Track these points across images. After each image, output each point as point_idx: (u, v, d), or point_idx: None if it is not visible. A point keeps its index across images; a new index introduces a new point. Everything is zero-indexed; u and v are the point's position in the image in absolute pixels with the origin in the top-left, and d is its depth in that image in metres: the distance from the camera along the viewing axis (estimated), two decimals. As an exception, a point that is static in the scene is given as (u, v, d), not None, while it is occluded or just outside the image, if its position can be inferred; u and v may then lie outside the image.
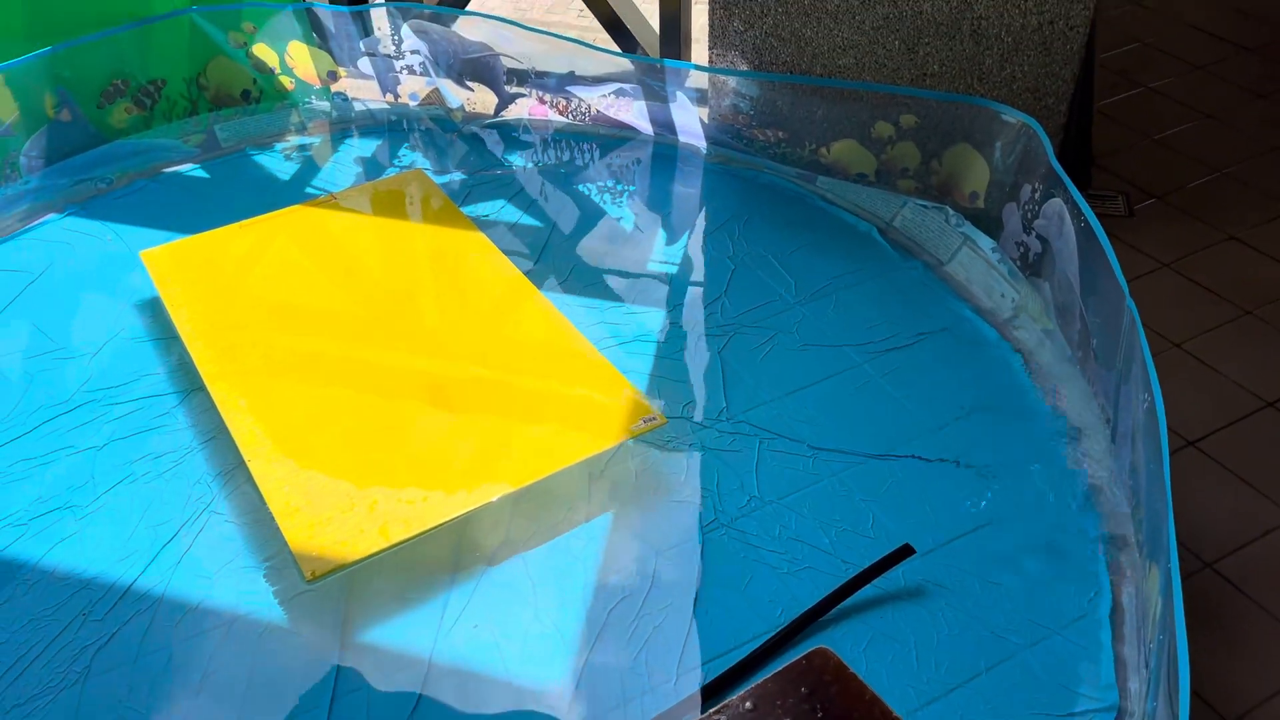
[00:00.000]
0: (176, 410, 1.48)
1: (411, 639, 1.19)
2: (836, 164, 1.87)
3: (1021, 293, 1.62)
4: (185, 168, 2.02)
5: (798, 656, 0.77)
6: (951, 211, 1.77)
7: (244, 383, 1.42)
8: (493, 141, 2.08)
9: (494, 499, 1.26)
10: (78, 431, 1.45)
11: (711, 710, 0.74)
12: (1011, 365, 1.54)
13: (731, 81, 1.90)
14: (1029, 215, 1.59)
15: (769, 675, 0.76)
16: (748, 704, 0.74)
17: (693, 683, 1.13)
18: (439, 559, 1.27)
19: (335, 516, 1.23)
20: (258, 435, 1.34)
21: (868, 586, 1.21)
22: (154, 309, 1.64)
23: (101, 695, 1.13)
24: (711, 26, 1.93)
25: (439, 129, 2.12)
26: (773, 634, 1.15)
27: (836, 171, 1.87)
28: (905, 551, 1.23)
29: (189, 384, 1.51)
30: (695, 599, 1.22)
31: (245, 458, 1.31)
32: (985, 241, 1.72)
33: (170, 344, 1.57)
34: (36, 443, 1.43)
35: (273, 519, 1.31)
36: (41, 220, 1.86)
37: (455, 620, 1.20)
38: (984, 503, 1.32)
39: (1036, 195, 1.57)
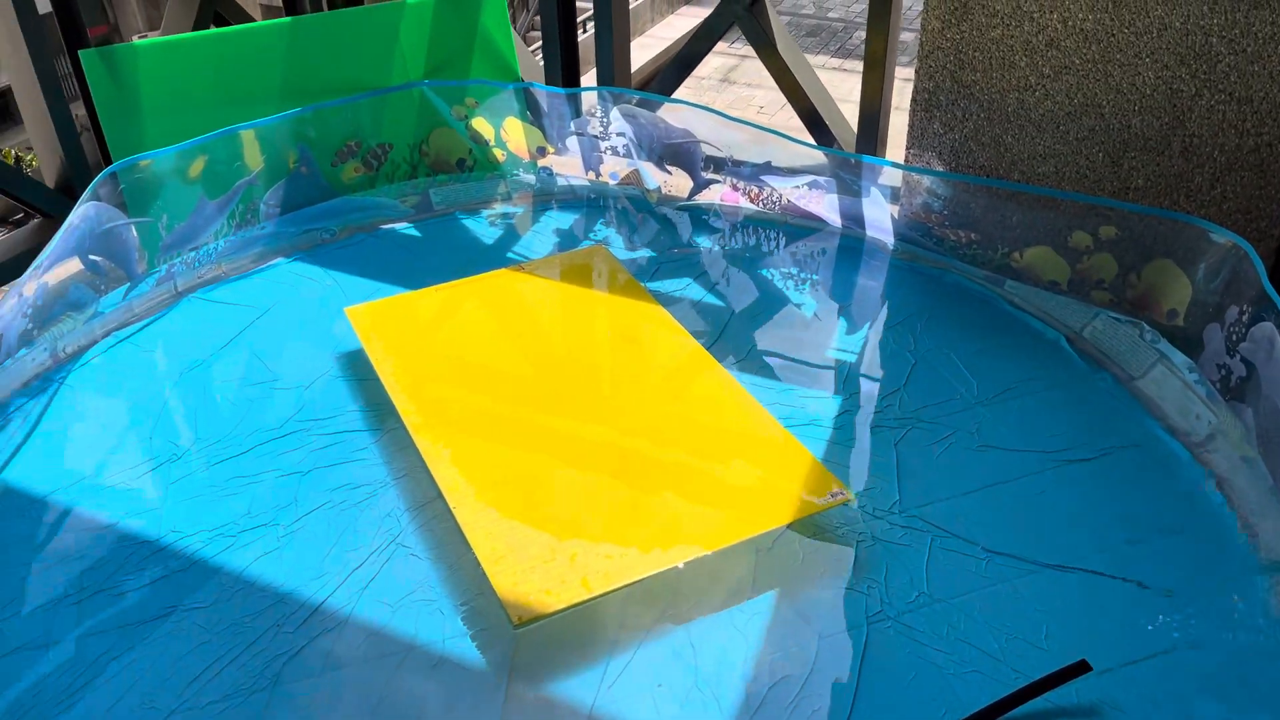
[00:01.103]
0: (372, 447, 1.59)
1: (574, 690, 1.22)
2: (1028, 269, 1.85)
3: (1220, 416, 1.56)
4: (400, 226, 2.18)
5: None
6: (1147, 327, 1.73)
7: (445, 434, 1.51)
8: (683, 223, 2.16)
9: (687, 560, 1.30)
10: (285, 456, 1.57)
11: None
12: (1205, 490, 1.48)
13: (926, 180, 1.93)
14: (1234, 337, 1.54)
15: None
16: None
17: (848, 772, 1.12)
18: (606, 615, 1.30)
19: (538, 566, 1.28)
20: (461, 484, 1.41)
21: (1038, 699, 1.17)
22: (356, 353, 1.77)
23: (286, 703, 1.21)
24: (911, 127, 1.97)
25: (634, 208, 2.22)
26: (935, 734, 1.13)
27: (1027, 277, 1.86)
28: (1081, 668, 1.19)
29: (382, 424, 1.62)
30: (856, 690, 1.21)
31: (451, 505, 1.38)
32: (1182, 360, 1.67)
33: (367, 385, 1.69)
34: (250, 463, 1.56)
35: (451, 558, 1.38)
36: (272, 263, 2.05)
37: (617, 676, 1.23)
38: (1170, 627, 1.26)
39: (1244, 318, 1.52)
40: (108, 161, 1.91)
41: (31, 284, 1.67)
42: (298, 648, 1.27)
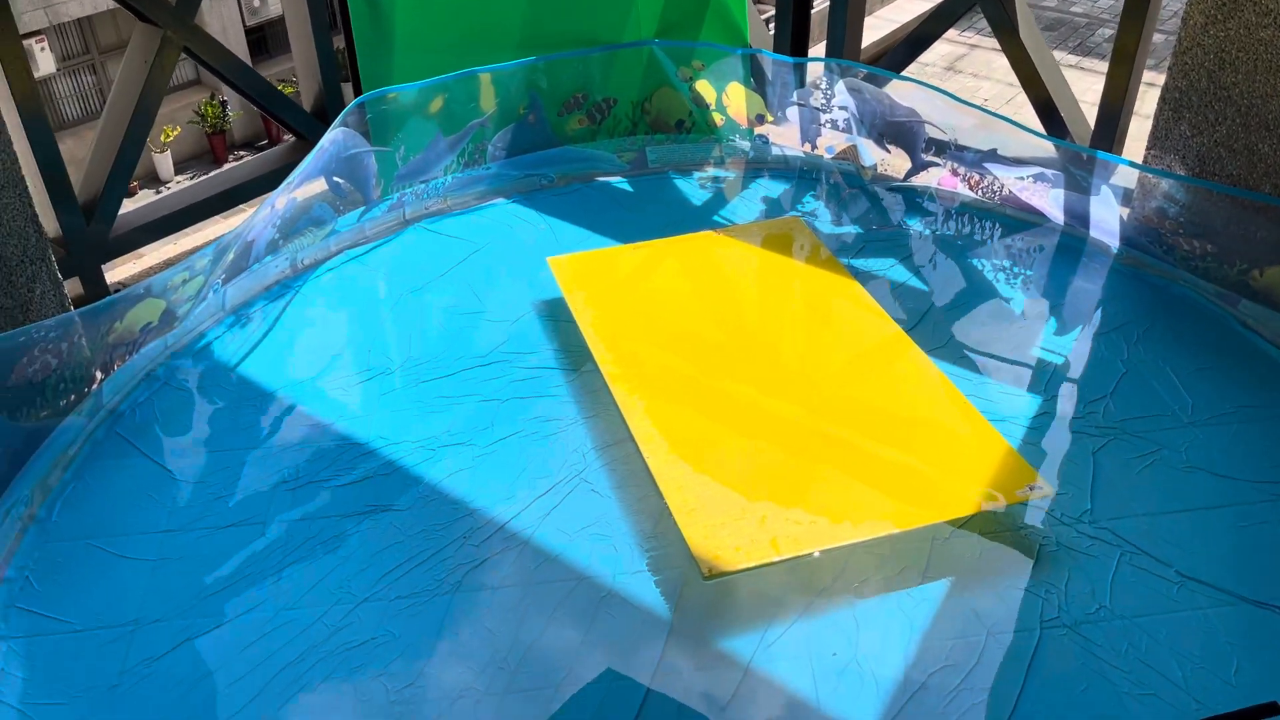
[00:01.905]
0: (566, 386, 1.65)
1: (734, 644, 1.24)
2: (1268, 290, 1.73)
3: None
4: (615, 179, 2.24)
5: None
6: (1398, 366, 1.58)
7: (639, 386, 1.55)
8: (896, 204, 2.12)
9: (875, 536, 1.30)
10: (486, 384, 1.66)
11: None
12: None
13: (1165, 184, 1.82)
14: None
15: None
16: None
17: (1002, 771, 1.10)
18: (774, 578, 1.32)
19: (728, 523, 1.32)
20: (655, 436, 1.46)
21: (1219, 733, 1.11)
22: (559, 297, 1.83)
23: (467, 607, 1.29)
24: (1155, 127, 1.86)
25: (846, 184, 2.20)
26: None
27: (1266, 299, 1.73)
28: (1272, 709, 1.12)
29: (576, 367, 1.68)
30: (1021, 691, 1.18)
31: (645, 454, 1.43)
32: None
33: (566, 328, 1.75)
34: (453, 385, 1.66)
35: (630, 500, 1.43)
36: (493, 202, 2.15)
37: (777, 639, 1.25)
38: (1380, 684, 1.17)
39: None
40: (358, 92, 2.05)
41: (283, 198, 1.82)
42: (480, 560, 1.35)
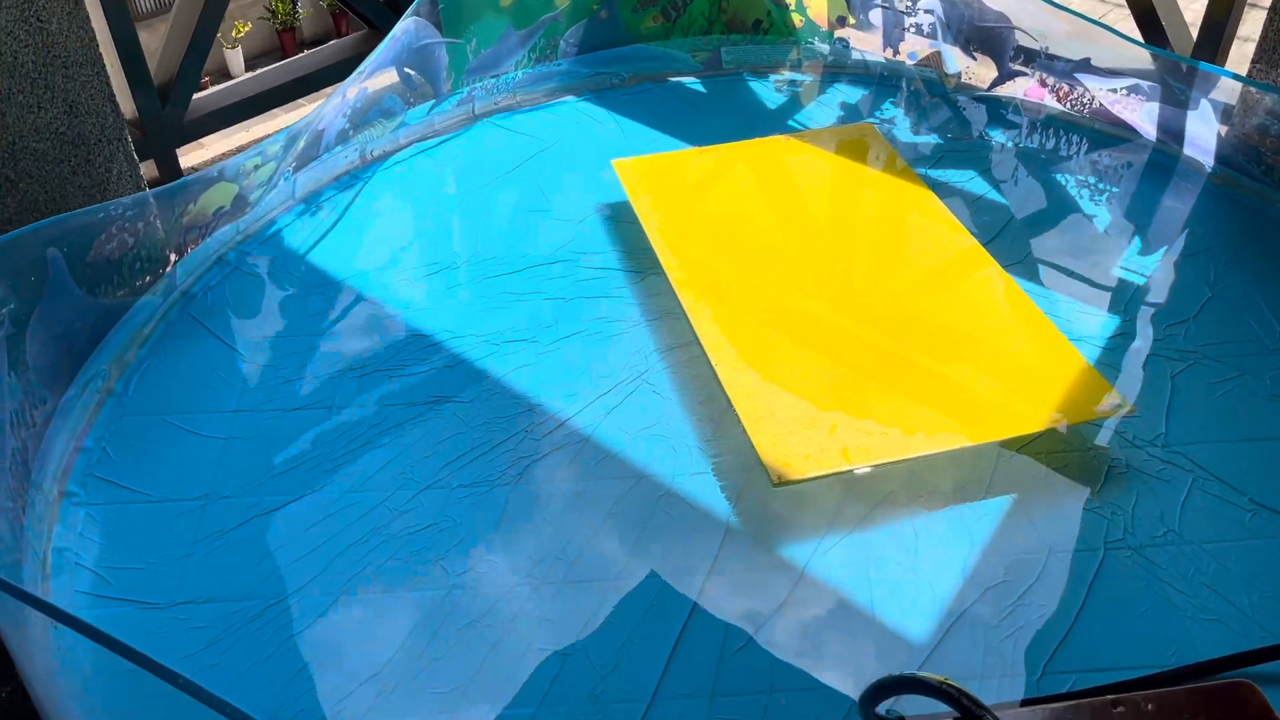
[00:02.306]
0: (630, 288, 1.64)
1: (789, 549, 1.24)
2: (1370, 215, 1.64)
3: None
4: (688, 80, 2.19)
5: (1213, 682, 0.73)
6: None
7: (705, 293, 1.53)
8: (978, 114, 2.05)
9: (949, 449, 1.28)
10: (551, 282, 1.65)
11: (1109, 696, 0.72)
12: None
13: (1268, 100, 1.73)
14: None
15: (1180, 688, 0.72)
16: (1150, 705, 0.71)
17: (1055, 686, 1.09)
18: (834, 488, 1.31)
19: (798, 431, 1.30)
20: (722, 343, 1.44)
21: (1283, 662, 1.09)
22: (625, 197, 1.80)
23: (526, 499, 1.30)
24: (1263, 39, 1.75)
25: (927, 91, 2.12)
26: (1176, 667, 1.08)
27: (1367, 223, 1.65)
28: (1341, 641, 1.09)
29: (642, 269, 1.66)
30: (1080, 609, 1.17)
31: (713, 361, 1.41)
32: None
33: (632, 230, 1.72)
34: (518, 282, 1.65)
35: (691, 403, 1.43)
36: (563, 99, 2.11)
37: (832, 547, 1.24)
38: None
39: None
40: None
41: (354, 88, 1.81)
42: (541, 454, 1.36)
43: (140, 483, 1.33)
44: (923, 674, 0.77)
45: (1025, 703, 1.07)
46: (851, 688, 1.09)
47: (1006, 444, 1.34)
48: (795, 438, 1.29)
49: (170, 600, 1.19)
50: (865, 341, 1.45)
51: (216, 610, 1.18)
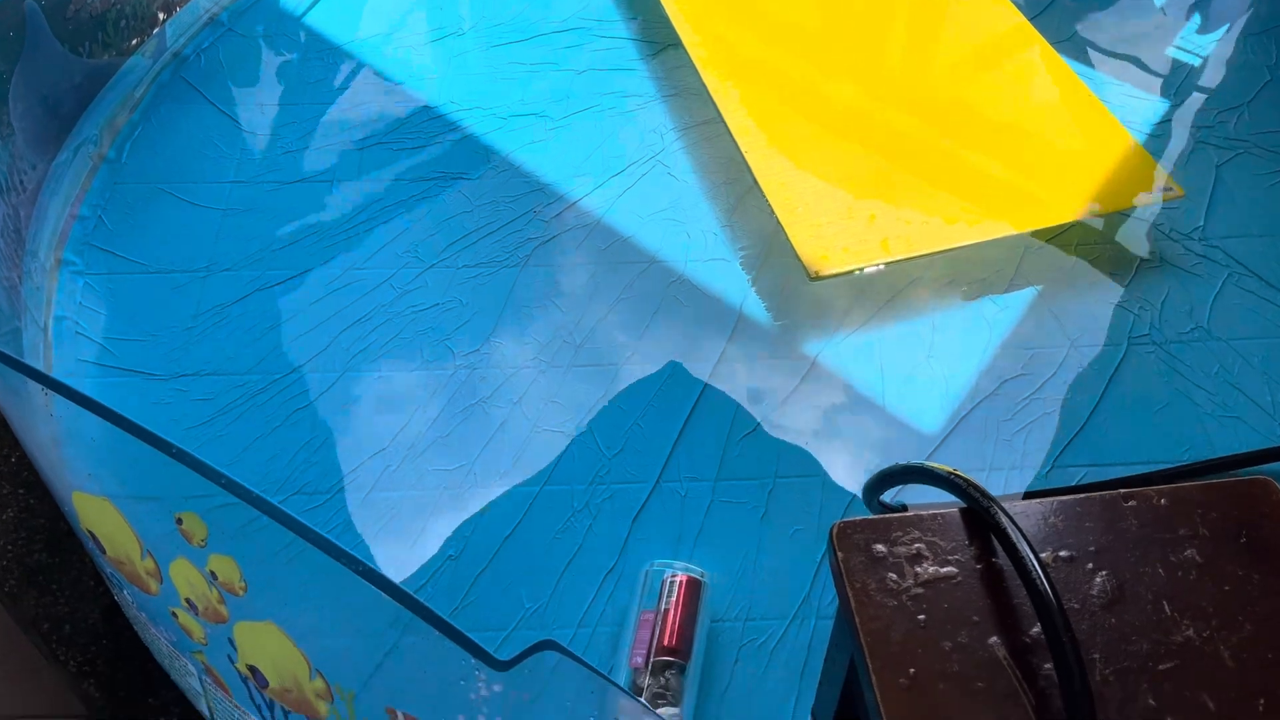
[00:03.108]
0: (648, 61, 1.54)
1: (802, 339, 1.21)
2: None
3: None
4: None
5: (1231, 478, 0.70)
6: None
7: (733, 73, 1.43)
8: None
9: (994, 238, 1.22)
10: (565, 51, 1.55)
11: (1120, 490, 0.70)
12: None
13: None
14: None
15: (1195, 483, 0.70)
16: (1162, 500, 0.69)
17: (1064, 480, 1.08)
18: (851, 277, 1.26)
19: (835, 222, 1.24)
20: (751, 128, 1.35)
21: (1299, 461, 1.07)
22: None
23: (534, 281, 1.26)
24: None
25: None
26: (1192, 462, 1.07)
27: None
28: (1361, 442, 1.07)
29: (662, 41, 1.55)
30: (1097, 403, 1.14)
31: (742, 149, 1.32)
32: None
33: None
34: (528, 51, 1.55)
35: (707, 186, 1.36)
36: None
37: (845, 337, 1.21)
38: None
39: None
40: None
41: None
42: (550, 236, 1.31)
43: (138, 253, 1.29)
44: (930, 464, 0.75)
45: (1028, 495, 1.06)
46: (859, 476, 1.09)
47: (1036, 235, 1.28)
48: (832, 229, 1.22)
49: (173, 372, 1.18)
50: (902, 127, 1.37)
51: (221, 383, 1.17)
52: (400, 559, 1.03)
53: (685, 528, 1.05)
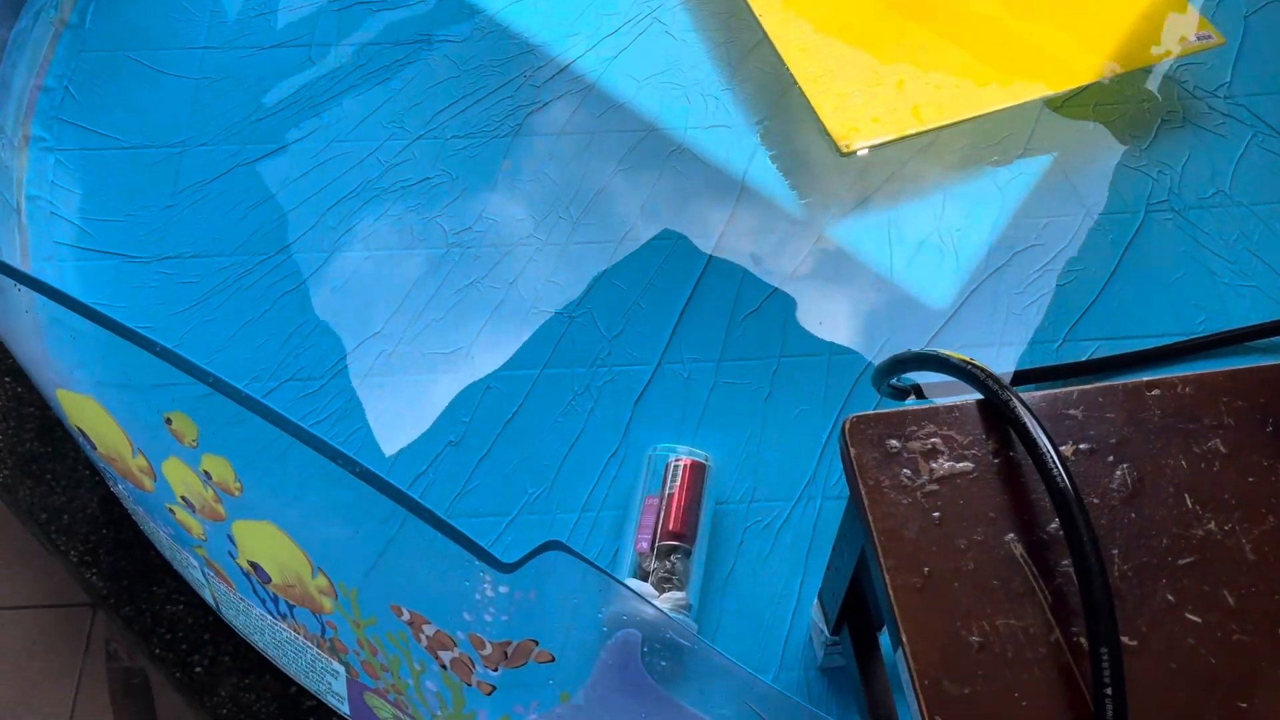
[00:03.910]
0: (644, -94, 1.43)
1: (807, 211, 1.17)
2: None
3: None
4: None
5: (1260, 364, 0.67)
6: None
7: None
8: None
9: (1030, 99, 1.16)
10: (552, -101, 1.44)
11: (1144, 379, 0.67)
12: None
13: None
14: None
15: (1221, 369, 0.67)
16: (1187, 389, 0.67)
17: (1076, 354, 1.06)
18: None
19: (861, 89, 1.17)
20: None
21: (1317, 332, 1.05)
22: None
23: (526, 152, 1.21)
24: None
25: None
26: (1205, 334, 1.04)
27: None
28: (1383, 312, 1.04)
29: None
30: (1111, 274, 1.11)
31: (755, 11, 1.24)
32: None
33: None
34: (514, -102, 1.45)
35: (709, 45, 1.29)
36: None
37: (853, 208, 1.16)
38: None
39: None
40: None
41: None
42: (541, 102, 1.25)
43: (110, 127, 1.23)
44: (945, 352, 0.72)
45: (1017, 377, 1.04)
46: (866, 354, 1.06)
47: (1052, 98, 1.21)
48: (860, 98, 1.16)
49: (155, 254, 1.14)
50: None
51: (205, 265, 1.13)
52: (399, 446, 1.01)
53: (688, 410, 1.03)
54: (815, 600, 0.87)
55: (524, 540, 0.96)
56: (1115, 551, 0.61)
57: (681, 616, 0.88)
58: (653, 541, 0.91)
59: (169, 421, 0.71)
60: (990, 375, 0.66)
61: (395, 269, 1.12)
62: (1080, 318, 1.08)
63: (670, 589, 0.89)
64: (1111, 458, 0.64)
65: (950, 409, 0.66)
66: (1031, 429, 0.62)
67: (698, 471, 0.94)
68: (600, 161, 1.20)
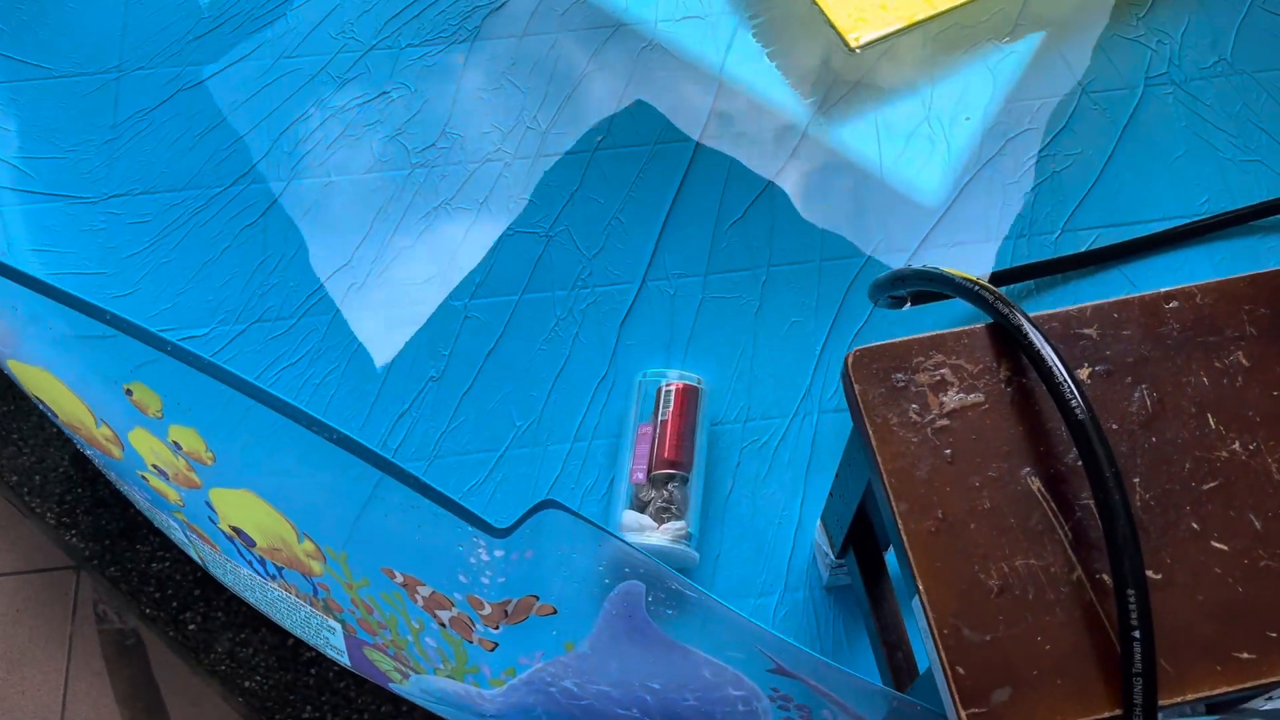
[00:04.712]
0: None
1: (789, 109, 1.10)
2: None
3: None
4: None
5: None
6: None
7: None
8: None
9: None
10: None
11: (1165, 290, 0.63)
12: None
13: None
14: None
15: (1240, 276, 0.63)
16: (1206, 298, 0.63)
17: (1075, 245, 1.01)
18: (836, 37, 1.13)
19: None
20: None
21: (1324, 208, 1.01)
22: None
23: (487, 59, 1.13)
24: None
25: None
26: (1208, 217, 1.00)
27: None
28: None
29: None
30: (1110, 155, 1.06)
31: None
32: None
33: None
34: None
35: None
36: None
37: (838, 100, 1.10)
38: None
39: None
40: None
41: None
42: (499, 2, 1.16)
43: (37, 55, 1.14)
44: (948, 270, 0.68)
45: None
46: (858, 259, 1.02)
47: (1044, -37, 1.14)
48: None
49: (101, 193, 1.07)
50: None
51: (156, 202, 1.07)
52: (375, 388, 0.97)
53: (676, 329, 0.99)
54: (819, 522, 0.85)
55: (516, 476, 0.93)
56: (1136, 480, 0.58)
57: (682, 547, 0.86)
58: (648, 471, 0.88)
59: (129, 393, 0.67)
60: (999, 296, 0.62)
61: (359, 195, 1.06)
62: (1079, 206, 1.03)
63: (669, 518, 0.87)
64: (1129, 379, 0.61)
65: (958, 335, 0.63)
66: (1047, 356, 0.58)
67: (690, 395, 0.91)
68: (565, 64, 1.12)
